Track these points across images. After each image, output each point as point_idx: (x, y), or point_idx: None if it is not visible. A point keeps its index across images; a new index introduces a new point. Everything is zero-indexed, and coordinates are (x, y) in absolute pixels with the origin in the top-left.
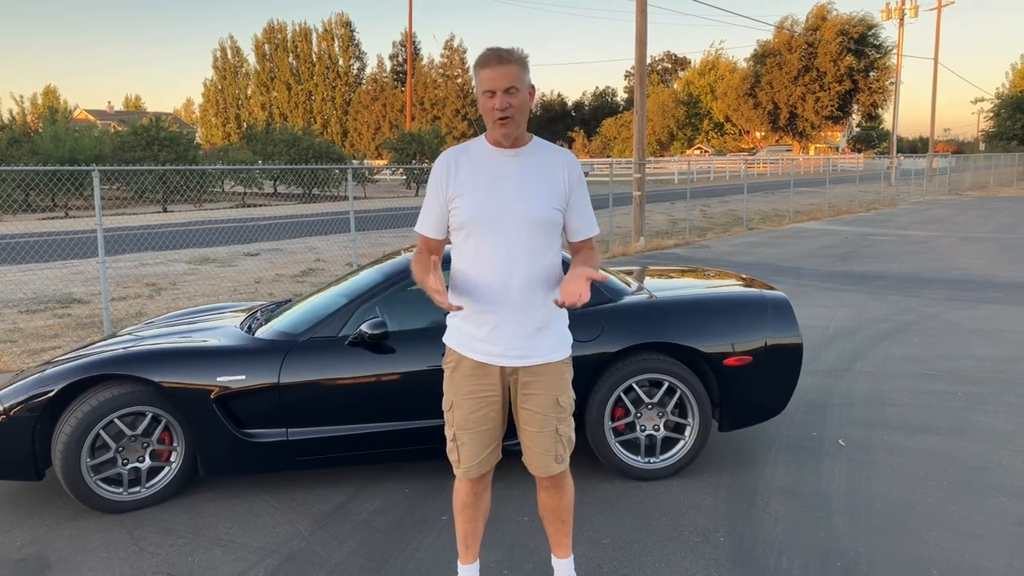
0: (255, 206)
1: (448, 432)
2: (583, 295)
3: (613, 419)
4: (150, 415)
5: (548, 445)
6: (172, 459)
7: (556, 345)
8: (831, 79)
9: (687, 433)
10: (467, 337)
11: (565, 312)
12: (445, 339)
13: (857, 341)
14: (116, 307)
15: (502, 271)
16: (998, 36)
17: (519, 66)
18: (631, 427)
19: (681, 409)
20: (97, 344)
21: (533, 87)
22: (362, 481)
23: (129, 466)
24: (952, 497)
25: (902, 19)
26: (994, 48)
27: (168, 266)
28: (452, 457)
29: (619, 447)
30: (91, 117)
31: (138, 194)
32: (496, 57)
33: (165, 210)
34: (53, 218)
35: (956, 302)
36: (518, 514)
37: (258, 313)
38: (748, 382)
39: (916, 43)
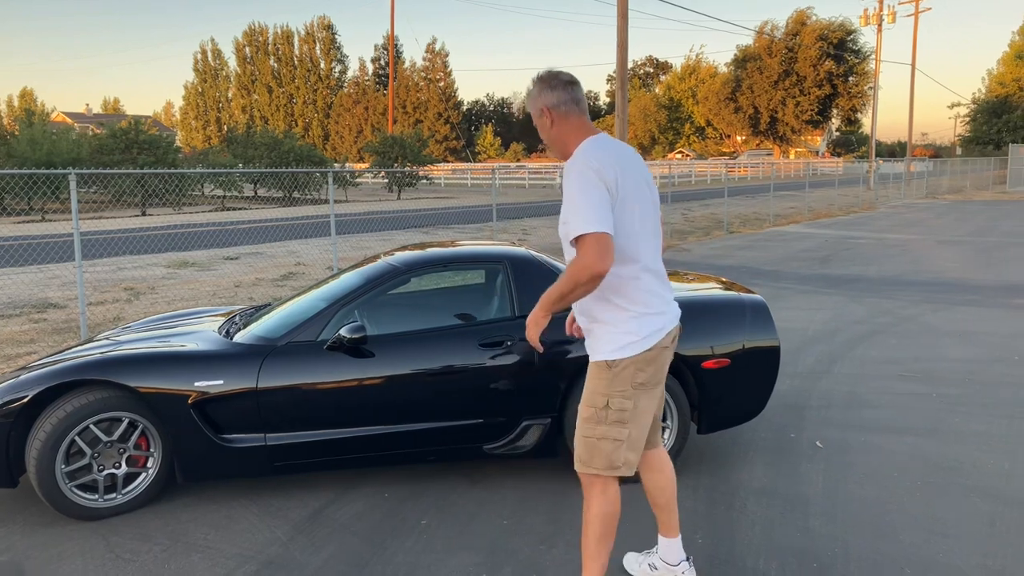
0: (235, 209)
1: (621, 434)
2: (531, 340)
3: None
4: (126, 420)
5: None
6: (149, 465)
7: (592, 346)
8: (811, 84)
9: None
10: None
11: (611, 315)
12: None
13: (835, 343)
14: (93, 312)
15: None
16: (975, 42)
17: (529, 97)
18: None
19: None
20: (73, 349)
21: (545, 108)
22: (341, 486)
23: (105, 472)
24: (927, 497)
25: (880, 25)
26: (971, 54)
27: (146, 270)
28: (629, 458)
29: None
30: (69, 120)
31: (116, 197)
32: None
33: (144, 214)
34: (29, 222)
35: (932, 304)
36: (498, 517)
37: (237, 318)
38: (726, 384)
39: (894, 48)
